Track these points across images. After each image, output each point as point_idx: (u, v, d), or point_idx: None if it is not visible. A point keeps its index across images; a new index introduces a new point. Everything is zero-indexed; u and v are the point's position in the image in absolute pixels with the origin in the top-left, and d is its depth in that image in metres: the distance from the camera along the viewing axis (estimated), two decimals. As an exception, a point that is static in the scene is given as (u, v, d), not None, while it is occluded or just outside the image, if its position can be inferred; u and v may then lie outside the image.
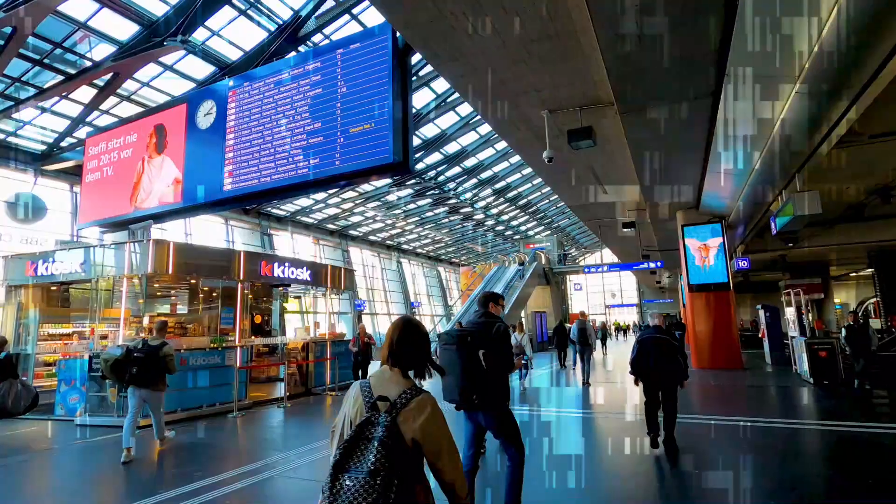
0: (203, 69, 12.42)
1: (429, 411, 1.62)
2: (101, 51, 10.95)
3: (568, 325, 20.81)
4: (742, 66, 5.82)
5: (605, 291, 50.92)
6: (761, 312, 14.90)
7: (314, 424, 7.64)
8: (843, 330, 9.67)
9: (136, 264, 8.53)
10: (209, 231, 20.74)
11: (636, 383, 5.41)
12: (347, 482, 1.43)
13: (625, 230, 15.51)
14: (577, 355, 11.13)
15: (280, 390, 10.20)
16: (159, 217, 9.26)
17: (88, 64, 10.96)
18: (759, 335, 15.86)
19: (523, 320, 30.32)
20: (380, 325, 30.41)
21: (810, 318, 11.76)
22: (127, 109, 13.08)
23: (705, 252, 13.35)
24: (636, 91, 6.91)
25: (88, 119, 13.05)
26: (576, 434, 6.40)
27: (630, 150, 9.00)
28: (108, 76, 11.31)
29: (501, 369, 3.14)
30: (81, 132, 13.33)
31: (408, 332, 1.89)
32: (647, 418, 5.39)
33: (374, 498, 1.38)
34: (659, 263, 22.69)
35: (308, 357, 10.94)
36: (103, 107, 12.84)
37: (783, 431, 6.12)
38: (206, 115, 8.47)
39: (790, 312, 11.98)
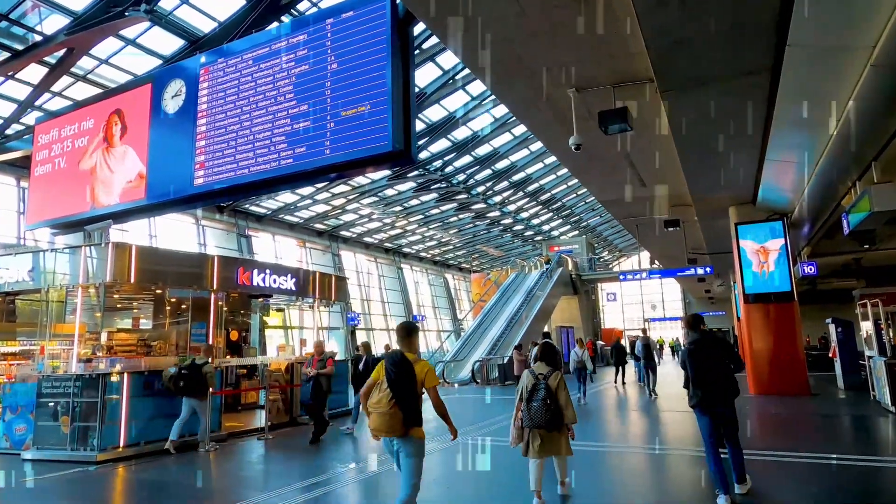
0: (171, 43, 12.57)
1: (560, 378, 4.87)
2: (53, 23, 11.13)
3: (600, 342, 20.91)
4: (806, 35, 5.78)
5: (643, 302, 50.63)
6: (832, 327, 14.72)
7: (300, 460, 7.67)
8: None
9: (93, 271, 8.62)
10: (178, 232, 20.94)
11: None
12: (534, 405, 4.70)
13: (668, 229, 15.41)
14: (644, 370, 14.66)
15: (260, 419, 10.22)
16: (120, 216, 9.35)
17: (38, 38, 11.14)
18: (830, 355, 15.66)
19: (551, 334, 30.30)
20: (377, 343, 30.47)
21: (892, 333, 11.59)
22: (82, 91, 13.26)
23: (764, 256, 13.24)
24: (679, 66, 6.88)
25: (38, 102, 13.24)
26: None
27: (673, 135, 8.96)
28: (61, 52, 11.47)
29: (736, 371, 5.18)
30: (30, 118, 13.53)
31: (547, 348, 5.16)
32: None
33: (544, 411, 4.63)
34: (708, 269, 22.52)
35: (293, 380, 10.96)
36: (55, 88, 13.03)
37: (862, 470, 6.04)
38: (173, 96, 8.56)
39: (867, 327, 11.81)
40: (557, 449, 4.80)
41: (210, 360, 8.60)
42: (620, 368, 17.16)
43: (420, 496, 3.77)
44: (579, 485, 5.49)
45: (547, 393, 4.71)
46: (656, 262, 28.09)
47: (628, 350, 18.08)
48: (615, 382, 16.99)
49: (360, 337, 28.60)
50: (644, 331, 16.78)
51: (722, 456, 5.00)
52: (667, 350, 37.55)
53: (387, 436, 3.73)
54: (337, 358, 12.81)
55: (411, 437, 3.75)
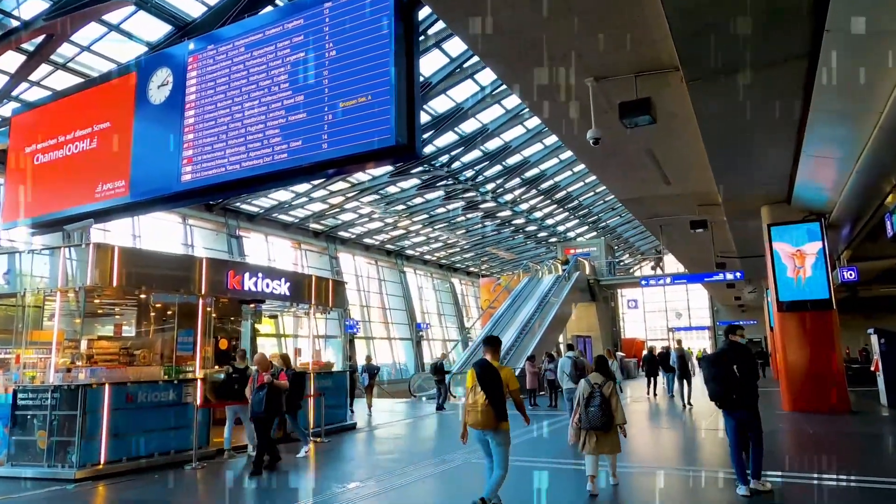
0: (157, 29, 12.65)
1: (613, 386, 6.24)
2: (32, 7, 11.22)
3: (620, 353, 21.12)
4: (847, 18, 5.74)
5: (667, 310, 50.41)
6: (874, 338, 14.60)
7: (294, 477, 7.67)
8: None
9: (73, 274, 8.66)
10: (163, 233, 21.04)
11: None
12: (591, 409, 6.04)
13: (694, 231, 15.35)
14: (678, 381, 15.61)
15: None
16: (102, 215, 9.41)
17: (15, 24, 11.23)
18: (872, 368, 15.54)
19: (562, 346, 30.22)
20: (378, 353, 30.52)
21: (940, 346, 11.48)
22: (63, 80, 13.36)
23: (800, 260, 13.15)
24: (708, 53, 6.85)
25: (15, 93, 13.36)
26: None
27: (700, 128, 8.93)
28: (40, 39, 11.57)
29: (752, 379, 6.07)
30: (6, 109, 13.65)
31: (601, 360, 6.65)
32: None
33: (600, 415, 6.00)
34: (738, 275, 22.41)
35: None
36: (33, 77, 13.13)
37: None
38: (160, 86, 8.62)
39: (913, 338, 11.69)
40: (610, 447, 6.23)
41: (247, 365, 9.34)
42: (652, 380, 17.92)
43: None
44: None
45: (602, 400, 6.13)
46: (681, 266, 27.98)
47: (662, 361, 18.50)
48: (647, 394, 17.80)
49: (360, 348, 28.63)
50: (679, 342, 17.77)
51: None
52: (694, 361, 37.51)
53: (483, 429, 5.14)
54: (335, 369, 12.94)
55: (501, 429, 5.17)
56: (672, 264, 34.57)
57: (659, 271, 41.97)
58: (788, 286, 13.22)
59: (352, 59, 7.01)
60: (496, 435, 5.15)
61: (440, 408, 15.93)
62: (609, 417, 6.08)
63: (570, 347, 13.36)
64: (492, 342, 5.55)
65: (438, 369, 16.54)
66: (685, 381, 15.15)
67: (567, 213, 33.26)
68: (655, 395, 17.74)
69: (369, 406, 16.03)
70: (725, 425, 6.22)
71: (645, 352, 20.41)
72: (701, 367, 6.70)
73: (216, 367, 10.45)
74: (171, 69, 8.68)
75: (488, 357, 5.41)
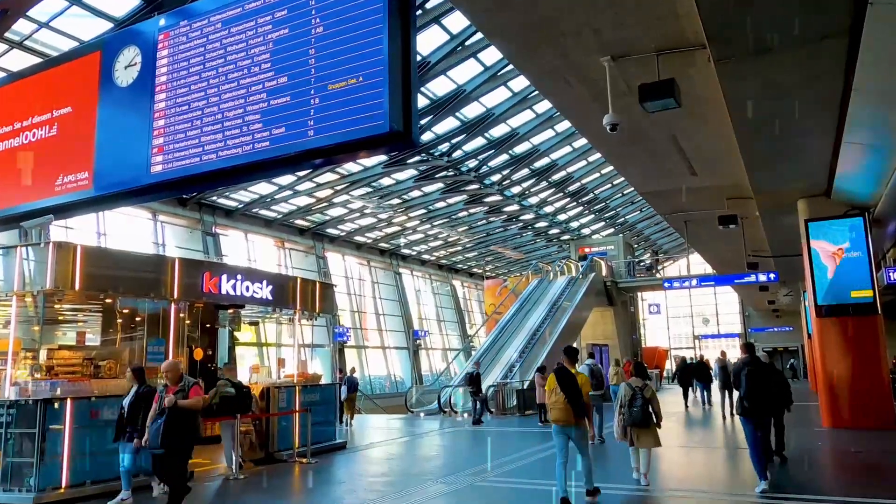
0: (124, 3, 12.65)
1: (652, 389, 7.86)
2: (-16, -21, 11.22)
3: (642, 360, 21.37)
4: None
5: (693, 316, 50.44)
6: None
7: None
8: None
9: (31, 277, 8.66)
10: (131, 230, 21.07)
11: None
12: (633, 409, 7.62)
13: (724, 227, 15.35)
14: (719, 392, 16.92)
15: (230, 455, 10.25)
16: (63, 210, 9.39)
17: (-34, -2, 11.24)
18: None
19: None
20: (371, 364, 30.56)
21: None
22: (19, 60, 13.38)
23: (841, 259, 13.14)
24: (738, 29, 6.85)
25: (-34, 74, 13.38)
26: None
27: (730, 113, 8.93)
28: (-6, 14, 11.57)
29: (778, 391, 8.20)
30: (-44, 92, 13.68)
31: (639, 365, 8.45)
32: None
33: (641, 414, 7.59)
34: (772, 276, 22.42)
35: (269, 408, 11.00)
36: (-14, 57, 13.15)
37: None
38: (126, 67, 8.62)
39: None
40: (650, 441, 7.75)
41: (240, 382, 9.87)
42: (687, 390, 19.38)
43: None
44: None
45: (643, 401, 7.68)
46: (709, 267, 27.98)
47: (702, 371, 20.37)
48: (684, 406, 18.94)
49: (350, 357, 28.67)
50: (723, 353, 20.21)
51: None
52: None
53: (564, 425, 6.76)
54: (322, 381, 12.95)
55: (579, 425, 6.79)
56: (698, 265, 34.56)
57: (684, 272, 41.96)
58: (828, 288, 13.21)
59: (341, 36, 7.01)
60: (575, 430, 6.79)
61: (477, 422, 16.21)
62: (648, 415, 7.65)
63: (590, 356, 14.26)
64: (569, 352, 7.32)
65: (474, 379, 16.98)
66: (727, 392, 16.10)
67: (581, 208, 33.29)
68: (688, 406, 18.88)
69: (347, 420, 16.23)
70: (744, 428, 7.67)
71: (678, 361, 22.19)
72: (735, 378, 8.15)
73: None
74: (140, 48, 8.67)
75: (565, 364, 7.08)
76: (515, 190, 27.55)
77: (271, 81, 7.51)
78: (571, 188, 29.11)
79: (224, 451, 9.45)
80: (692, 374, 19.63)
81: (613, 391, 13.85)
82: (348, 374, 17.65)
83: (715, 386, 19.48)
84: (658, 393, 9.15)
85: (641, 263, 39.05)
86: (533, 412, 17.84)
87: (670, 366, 43.17)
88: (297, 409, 11.26)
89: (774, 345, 40.02)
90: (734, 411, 14.94)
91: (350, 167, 22.06)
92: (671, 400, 19.73)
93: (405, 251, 35.53)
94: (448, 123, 20.08)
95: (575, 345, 27.50)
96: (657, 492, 7.74)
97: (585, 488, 6.88)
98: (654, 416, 7.69)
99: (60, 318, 11.83)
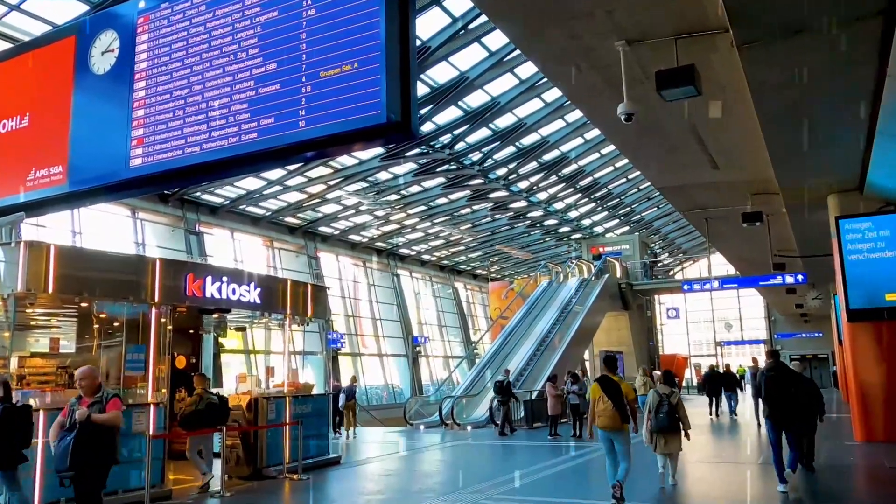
0: (100, -16, 12.66)
1: (679, 395, 8.88)
2: (-49, -42, 11.24)
3: (657, 372, 21.72)
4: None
5: (714, 321, 50.42)
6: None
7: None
8: None
9: (1, 279, 8.68)
10: (108, 229, 21.10)
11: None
12: (660, 415, 8.54)
13: (748, 225, 15.33)
14: (754, 400, 17.63)
15: (215, 471, 10.26)
16: (35, 207, 9.39)
17: (-69, -22, 11.26)
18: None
19: (587, 364, 30.26)
20: (367, 373, 30.56)
21: None
22: (-12, 46, 13.41)
23: (875, 260, 13.11)
24: (764, 10, 6.84)
25: (-69, 61, 13.41)
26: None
27: (754, 101, 8.91)
28: (-39, -4, 11.58)
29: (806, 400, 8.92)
30: (-79, 80, 13.72)
31: (668, 373, 9.93)
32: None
33: (668, 420, 8.50)
34: (800, 277, 22.40)
35: (257, 420, 11.01)
36: (-47, 42, 13.17)
37: None
38: (103, 53, 8.62)
39: None
40: (676, 446, 8.67)
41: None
42: (714, 399, 20.01)
43: None
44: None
45: (669, 407, 8.52)
46: (732, 268, 27.94)
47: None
48: (710, 415, 19.61)
49: (344, 366, 28.69)
50: (755, 360, 21.07)
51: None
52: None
53: (610, 430, 7.61)
54: (315, 392, 12.96)
55: (624, 430, 7.65)
56: (720, 265, 34.51)
57: (704, 273, 41.93)
58: (860, 291, 13.17)
59: (334, 19, 7.01)
60: (620, 434, 7.66)
61: (503, 434, 16.48)
62: (675, 421, 8.52)
63: (610, 360, 14.63)
64: (609, 361, 8.35)
65: (504, 388, 17.24)
66: (760, 400, 16.40)
67: (594, 204, 33.30)
68: (718, 415, 19.60)
69: (348, 431, 16.78)
70: (768, 433, 8.69)
71: (707, 369, 23.38)
72: (763, 387, 8.75)
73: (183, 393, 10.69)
74: (118, 32, 8.68)
75: (608, 373, 8.02)
76: (523, 185, 27.56)
77: (259, 68, 7.50)
78: (583, 183, 29.12)
79: (200, 467, 9.51)
80: (720, 382, 20.33)
81: (641, 401, 13.94)
82: (349, 384, 18.70)
83: (742, 395, 20.82)
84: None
85: (659, 264, 39.10)
86: (542, 425, 17.85)
87: (689, 374, 43.20)
88: (287, 421, 11.26)
89: (803, 352, 39.98)
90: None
91: (344, 160, 22.08)
92: (694, 412, 19.84)
93: (404, 251, 35.56)
94: (450, 113, 20.09)
95: (587, 352, 27.73)
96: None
97: (612, 487, 7.71)
98: (680, 423, 8.58)
99: (33, 323, 11.85)
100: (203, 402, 9.77)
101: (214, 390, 11.64)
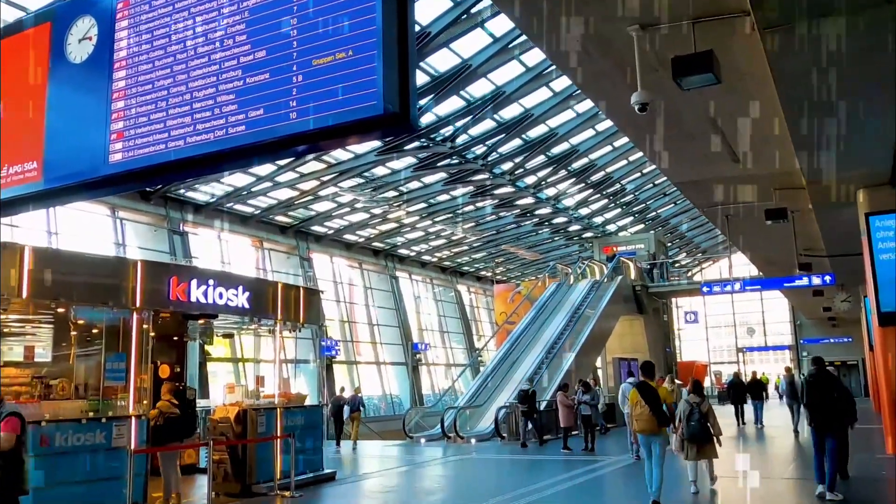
0: (77, -33, 12.68)
1: (708, 404, 9.85)
2: (-83, -60, 11.25)
3: (678, 381, 22.14)
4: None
5: (736, 325, 50.38)
6: None
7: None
8: None
9: (-29, 283, 8.69)
10: (86, 229, 21.12)
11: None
12: (691, 424, 9.38)
13: (776, 222, 15.33)
14: (789, 408, 19.03)
15: (201, 488, 10.29)
16: (8, 206, 9.37)
17: None
18: None
19: (599, 371, 30.26)
20: (362, 382, 30.51)
21: None
22: (-43, 34, 13.43)
23: (907, 259, 13.11)
24: (787, -9, 6.82)
25: None
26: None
27: (777, 89, 8.91)
28: (-72, -19, 11.61)
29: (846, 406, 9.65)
30: None
31: (697, 383, 10.68)
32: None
33: (699, 430, 9.37)
34: (828, 278, 22.37)
35: (246, 433, 11.02)
36: (-80, 30, 13.20)
37: None
38: (81, 40, 8.63)
39: None
40: (708, 454, 9.48)
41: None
42: (740, 408, 21.14)
43: None
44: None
45: (700, 416, 9.28)
46: (754, 268, 27.92)
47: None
48: (738, 424, 20.55)
49: (339, 375, 28.71)
50: (788, 369, 21.54)
51: None
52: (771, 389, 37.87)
53: (649, 434, 8.58)
54: (308, 402, 12.98)
55: (661, 434, 8.62)
56: (742, 266, 34.45)
57: (725, 275, 41.91)
58: (893, 293, 13.16)
59: (328, 3, 7.01)
60: (657, 438, 8.59)
61: (524, 445, 16.88)
62: (706, 430, 9.31)
63: (631, 374, 16.46)
64: (647, 368, 9.40)
65: (529, 397, 17.39)
66: (795, 410, 18.11)
67: (606, 201, 33.30)
68: (744, 423, 20.71)
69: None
70: (812, 439, 9.31)
71: (729, 377, 24.78)
72: (806, 392, 9.56)
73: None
74: (96, 18, 8.69)
75: (645, 379, 9.05)
76: (530, 180, 27.55)
77: (247, 56, 7.51)
78: (595, 178, 29.12)
79: (164, 484, 9.52)
80: (746, 391, 21.38)
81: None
82: (353, 394, 19.76)
83: (767, 404, 21.67)
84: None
85: (676, 264, 39.07)
86: (552, 438, 17.84)
87: (709, 382, 43.15)
88: (278, 434, 11.27)
89: (831, 358, 39.89)
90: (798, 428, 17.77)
91: (339, 155, 22.10)
92: (721, 422, 20.11)
93: (402, 252, 35.57)
94: (452, 104, 20.09)
95: (599, 359, 27.75)
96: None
97: (651, 499, 8.55)
98: (711, 430, 9.42)
99: (6, 330, 11.86)
100: (162, 417, 9.67)
101: (202, 402, 11.68)
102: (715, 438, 9.50)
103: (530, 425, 17.57)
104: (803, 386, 10.11)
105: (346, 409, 18.93)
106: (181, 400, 9.95)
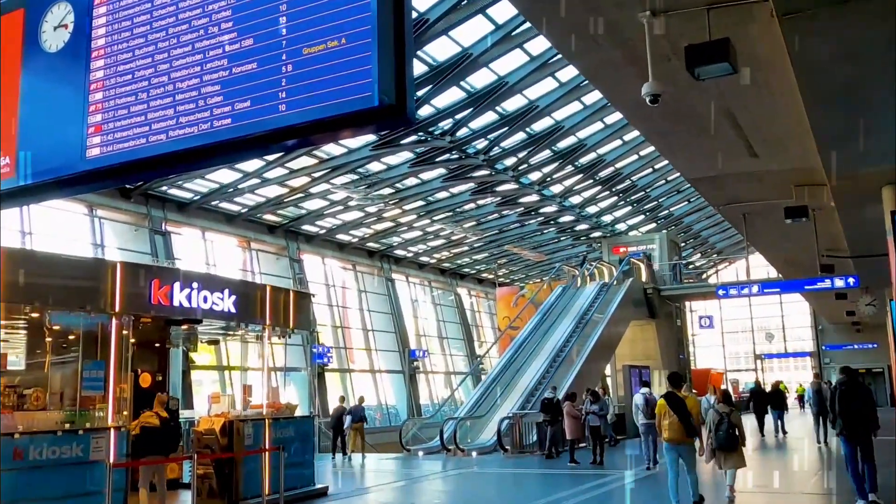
0: (53, -50, 12.70)
1: (737, 414, 10.23)
2: None
3: (693, 390, 22.43)
4: None
5: (754, 330, 50.41)
6: None
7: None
8: None
9: (-60, 286, 8.69)
10: (63, 228, 21.11)
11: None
12: (720, 433, 9.84)
13: (796, 220, 15.35)
14: (814, 418, 19.80)
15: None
16: (-22, 205, 9.43)
17: None
18: None
19: (609, 380, 30.27)
20: (355, 392, 30.49)
21: None
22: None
23: (936, 260, 13.13)
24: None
25: None
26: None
27: (798, 80, 8.91)
28: None
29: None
30: None
31: (727, 394, 11.26)
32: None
33: (729, 439, 9.82)
34: (851, 281, 22.39)
35: (233, 446, 11.02)
36: None
37: None
38: (56, 28, 8.63)
39: None
40: (737, 463, 10.01)
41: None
42: (761, 418, 21.86)
43: None
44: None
45: (729, 425, 9.75)
46: (773, 270, 27.93)
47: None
48: (761, 435, 21.30)
49: (332, 384, 28.68)
50: (817, 375, 23.82)
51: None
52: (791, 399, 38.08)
53: (677, 443, 9.41)
54: (298, 413, 12.96)
55: (690, 443, 9.55)
56: (760, 268, 34.48)
57: (742, 277, 41.93)
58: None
59: (319, -11, 7.01)
60: (686, 447, 9.53)
61: (549, 456, 17.18)
62: (734, 439, 9.80)
63: (644, 384, 16.41)
64: (674, 379, 10.29)
65: (553, 406, 17.55)
66: (821, 418, 18.65)
67: (616, 198, 33.30)
68: (763, 434, 21.35)
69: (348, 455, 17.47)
70: (843, 448, 9.83)
71: (751, 385, 25.74)
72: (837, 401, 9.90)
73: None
74: (72, 4, 8.69)
75: (673, 389, 9.86)
76: (534, 176, 27.56)
77: (234, 45, 7.50)
78: (603, 174, 29.12)
79: (189, 495, 9.55)
80: (768, 400, 22.12)
81: None
82: (356, 404, 20.18)
83: (788, 415, 22.59)
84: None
85: (690, 266, 39.10)
86: (561, 450, 17.81)
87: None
88: (266, 447, 11.27)
89: (854, 365, 39.88)
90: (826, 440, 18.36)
91: (331, 150, 22.10)
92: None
93: (399, 252, 35.56)
94: (451, 95, 20.10)
95: (608, 367, 27.84)
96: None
97: (692, 500, 9.40)
98: (739, 438, 9.94)
99: (-24, 336, 11.87)
100: (138, 427, 9.72)
101: (185, 412, 11.69)
102: (742, 446, 10.04)
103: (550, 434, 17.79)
104: (832, 394, 10.33)
105: (348, 419, 19.14)
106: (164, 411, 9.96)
